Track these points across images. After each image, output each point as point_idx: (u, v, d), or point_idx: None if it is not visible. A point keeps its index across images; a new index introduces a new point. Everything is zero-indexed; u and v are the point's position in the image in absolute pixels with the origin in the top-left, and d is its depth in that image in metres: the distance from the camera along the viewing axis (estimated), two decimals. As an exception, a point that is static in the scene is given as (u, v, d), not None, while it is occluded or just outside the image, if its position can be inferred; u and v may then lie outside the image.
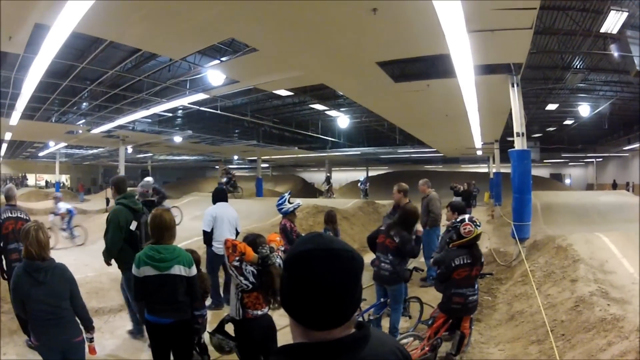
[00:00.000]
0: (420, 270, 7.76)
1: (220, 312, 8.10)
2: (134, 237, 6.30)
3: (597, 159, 43.37)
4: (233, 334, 4.81)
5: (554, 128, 28.14)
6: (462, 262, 5.78)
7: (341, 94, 16.48)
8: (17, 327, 6.73)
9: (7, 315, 7.08)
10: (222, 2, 8.23)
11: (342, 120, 23.10)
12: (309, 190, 38.23)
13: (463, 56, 9.17)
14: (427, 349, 5.67)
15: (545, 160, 44.06)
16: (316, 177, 52.37)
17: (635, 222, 12.21)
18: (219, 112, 19.64)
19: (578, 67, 14.76)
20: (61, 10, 7.58)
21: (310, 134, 26.36)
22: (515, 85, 11.38)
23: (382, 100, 15.48)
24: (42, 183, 53.41)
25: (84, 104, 18.81)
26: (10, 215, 6.43)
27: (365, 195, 24.73)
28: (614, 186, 37.62)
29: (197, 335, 5.24)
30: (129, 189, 6.86)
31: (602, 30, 11.25)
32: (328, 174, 22.54)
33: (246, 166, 53.71)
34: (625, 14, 10.42)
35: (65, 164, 46.13)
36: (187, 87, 15.82)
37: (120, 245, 6.26)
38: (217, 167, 50.18)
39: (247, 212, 14.29)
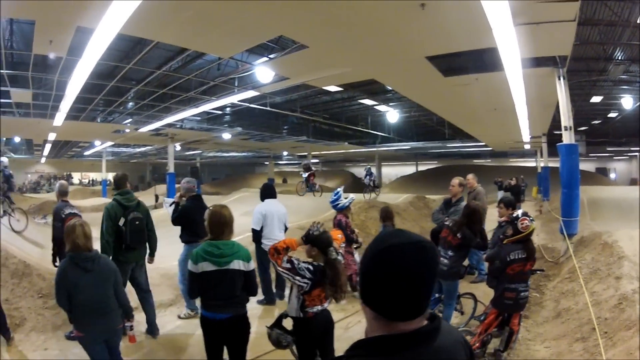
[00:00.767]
0: (474, 269, 8.21)
1: (272, 308, 8.68)
2: (120, 232, 6.93)
3: (640, 153, 40.89)
4: (289, 328, 4.99)
5: (599, 121, 27.41)
6: (517, 257, 5.93)
7: (389, 88, 16.58)
8: (62, 321, 7.36)
9: (52, 311, 7.73)
10: (271, 1, 8.63)
11: (391, 115, 23.12)
12: (358, 185, 38.37)
13: (510, 49, 9.50)
14: (477, 344, 5.90)
15: (590, 154, 42.88)
16: None
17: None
18: (268, 108, 20.28)
19: (619, 58, 14.40)
20: (105, 13, 8.16)
21: (359, 129, 26.40)
22: (561, 78, 11.57)
23: (432, 95, 15.76)
24: (86, 181, 54.28)
25: (130, 103, 19.07)
26: (70, 211, 7.23)
27: (373, 189, 22.33)
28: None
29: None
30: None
31: (640, 21, 10.74)
32: (369, 167, 21.67)
33: (296, 162, 53.92)
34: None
35: (111, 162, 47.82)
36: (235, 84, 16.16)
37: (113, 237, 6.89)
38: (266, 163, 51.48)
39: (297, 208, 14.81)
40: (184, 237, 8.14)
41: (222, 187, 42.29)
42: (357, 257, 8.77)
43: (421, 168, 50.36)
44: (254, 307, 8.06)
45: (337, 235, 5.50)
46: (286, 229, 8.92)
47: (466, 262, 7.24)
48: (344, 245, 5.35)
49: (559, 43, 10.06)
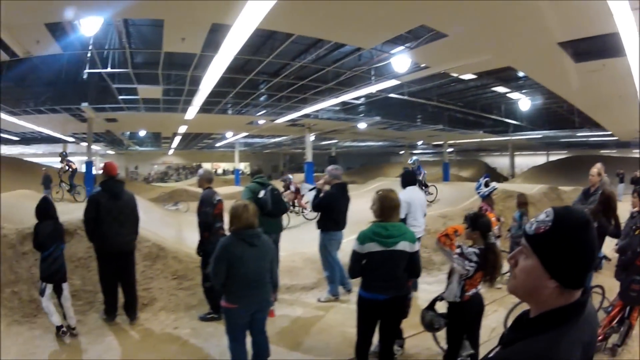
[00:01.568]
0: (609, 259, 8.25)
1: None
2: (260, 204, 7.44)
3: None
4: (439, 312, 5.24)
5: None
6: None
7: (521, 75, 16.31)
8: (197, 301, 8.17)
9: (187, 292, 8.55)
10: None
11: (523, 103, 22.54)
12: (492, 175, 37.41)
13: (630, 34, 9.54)
14: (600, 337, 5.89)
15: None
16: (498, 161, 51.08)
17: None
18: (406, 97, 20.69)
19: None
20: (242, 10, 8.82)
21: (493, 117, 25.98)
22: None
23: (563, 81, 15.43)
24: (220, 171, 56.80)
25: (263, 96, 19.99)
26: (219, 198, 7.81)
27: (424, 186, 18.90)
28: None
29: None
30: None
31: None
32: (415, 158, 18.62)
33: (430, 151, 53.79)
34: None
35: (243, 153, 49.46)
36: (372, 74, 16.33)
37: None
38: (401, 152, 52.62)
39: (439, 196, 14.65)
40: (322, 224, 8.69)
41: (358, 176, 43.01)
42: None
43: (552, 158, 48.25)
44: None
45: (492, 218, 5.81)
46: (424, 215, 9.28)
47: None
48: (497, 228, 5.61)
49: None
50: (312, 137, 31.14)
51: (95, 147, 31.45)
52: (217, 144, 46.14)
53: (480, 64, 14.57)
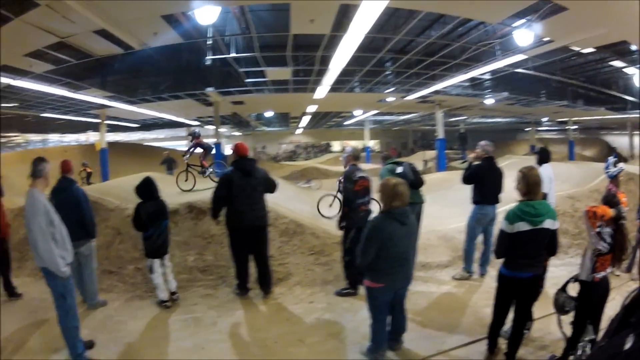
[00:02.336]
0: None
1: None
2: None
3: None
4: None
5: None
6: None
7: (634, 49, 15.17)
8: (333, 277, 8.36)
9: (324, 267, 8.80)
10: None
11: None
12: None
13: None
14: None
15: None
16: (618, 140, 47.70)
17: None
18: (532, 72, 20.04)
19: None
20: None
21: (613, 93, 24.33)
22: None
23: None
24: (348, 149, 57.10)
25: (391, 74, 19.92)
26: (361, 174, 7.78)
27: None
28: None
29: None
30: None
31: None
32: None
33: (554, 128, 51.32)
34: None
35: (373, 130, 49.55)
36: (497, 49, 15.83)
37: None
38: (527, 129, 50.17)
39: (567, 176, 14.29)
40: (475, 197, 8.72)
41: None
42: None
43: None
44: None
45: (623, 199, 5.74)
46: None
47: None
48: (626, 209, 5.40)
49: None
50: (441, 114, 30.52)
51: (221, 129, 32.55)
52: (346, 122, 46.23)
53: (598, 37, 13.60)
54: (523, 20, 12.80)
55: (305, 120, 40.19)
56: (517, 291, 5.24)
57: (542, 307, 6.04)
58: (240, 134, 59.39)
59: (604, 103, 28.54)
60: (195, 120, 37.21)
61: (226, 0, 11.31)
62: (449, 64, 18.71)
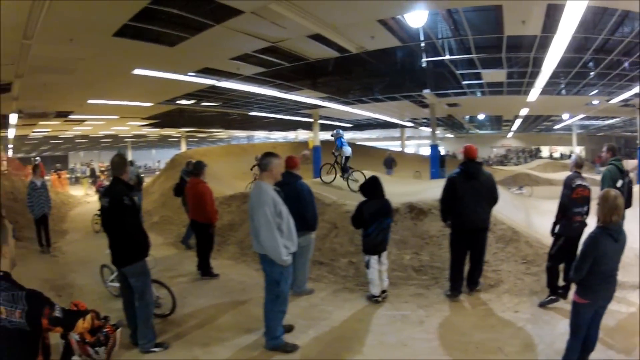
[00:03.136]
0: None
1: None
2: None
3: None
4: None
5: None
6: None
7: None
8: (540, 288, 7.85)
9: (533, 277, 8.29)
10: None
11: None
12: None
13: None
14: None
15: None
16: None
17: None
18: None
19: None
20: None
21: None
22: None
23: None
24: (557, 155, 54.40)
25: (594, 75, 18.72)
26: (581, 182, 7.45)
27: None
28: None
29: None
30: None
31: None
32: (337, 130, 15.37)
33: None
34: None
35: (579, 136, 46.40)
36: None
37: None
38: None
39: None
40: None
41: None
42: None
43: None
44: None
45: None
46: None
47: None
48: None
49: None
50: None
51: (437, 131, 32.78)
52: (555, 127, 44.40)
53: None
54: None
55: (517, 123, 39.12)
56: None
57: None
58: (453, 136, 59.25)
59: None
60: (409, 121, 37.77)
61: (442, 1, 11.41)
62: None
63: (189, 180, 10.64)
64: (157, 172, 36.72)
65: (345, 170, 14.63)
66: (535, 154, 59.85)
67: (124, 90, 18.90)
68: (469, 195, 7.73)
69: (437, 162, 25.70)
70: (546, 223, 8.20)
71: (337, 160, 14.38)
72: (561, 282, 7.46)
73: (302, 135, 51.43)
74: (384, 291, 7.94)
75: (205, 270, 9.73)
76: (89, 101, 20.90)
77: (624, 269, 8.96)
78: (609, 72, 18.56)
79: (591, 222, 5.83)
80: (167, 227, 14.42)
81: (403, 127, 45.62)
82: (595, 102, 24.75)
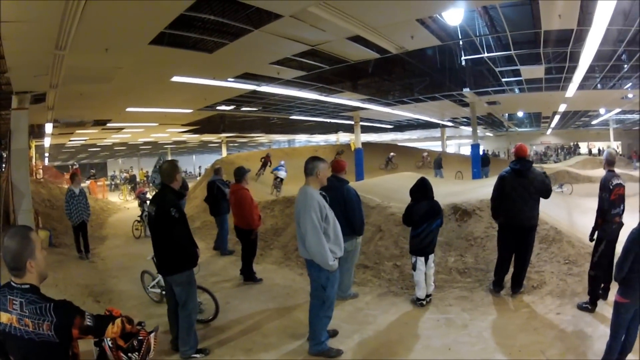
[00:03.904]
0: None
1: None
2: None
3: None
4: None
5: None
6: None
7: None
8: (582, 289, 7.65)
9: (575, 278, 8.14)
10: None
11: None
12: None
13: None
14: None
15: None
16: None
17: None
18: None
19: None
20: None
21: None
22: None
23: None
24: (595, 150, 53.53)
25: (625, 67, 18.35)
26: (618, 181, 7.23)
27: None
28: None
29: None
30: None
31: None
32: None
33: None
34: None
35: (617, 130, 45.59)
36: None
37: None
38: None
39: None
40: None
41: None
42: None
43: None
44: None
45: None
46: None
47: None
48: None
49: None
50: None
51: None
52: (593, 122, 43.83)
53: None
54: None
55: (555, 120, 38.89)
56: None
57: None
58: (492, 135, 58.78)
59: None
60: (449, 121, 37.72)
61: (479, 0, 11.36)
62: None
63: (231, 186, 10.73)
64: (198, 178, 37.19)
65: (275, 186, 19.10)
66: (573, 151, 58.95)
67: (163, 97, 19.08)
68: (516, 193, 7.74)
69: (478, 162, 25.74)
70: (588, 222, 8.02)
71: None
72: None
73: (343, 137, 51.76)
74: (428, 295, 7.87)
75: (248, 275, 9.77)
76: (128, 109, 21.15)
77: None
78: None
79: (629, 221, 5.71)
80: (210, 232, 14.42)
81: (444, 126, 45.60)
82: (630, 95, 24.35)
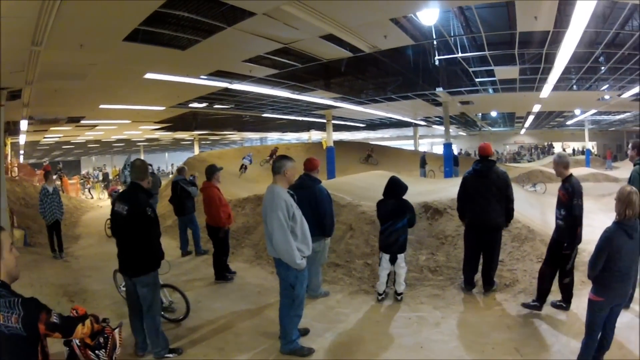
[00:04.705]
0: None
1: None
2: None
3: None
4: None
5: None
6: None
7: None
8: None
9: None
10: None
11: None
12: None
13: None
14: None
15: None
16: None
17: None
18: None
19: None
20: None
21: None
22: None
23: None
24: (569, 150, 54.52)
25: (603, 69, 18.62)
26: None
27: None
28: None
29: None
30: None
31: None
32: None
33: None
34: None
35: (592, 131, 46.40)
36: None
37: None
38: None
39: None
40: None
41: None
42: None
43: None
44: None
45: None
46: None
47: None
48: None
49: None
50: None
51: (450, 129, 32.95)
52: (568, 122, 44.22)
53: None
54: None
55: (529, 120, 39.25)
56: None
57: None
58: (466, 134, 59.25)
59: None
60: (422, 120, 37.83)
61: (454, 1, 11.43)
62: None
63: (202, 184, 10.60)
64: (171, 176, 37.02)
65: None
66: (547, 150, 59.73)
67: (136, 94, 18.92)
68: (479, 193, 7.82)
69: (451, 161, 25.82)
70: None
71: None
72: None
73: (315, 135, 51.77)
74: (399, 294, 7.89)
75: (219, 274, 9.73)
76: (101, 106, 20.91)
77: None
78: (620, 67, 18.47)
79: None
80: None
81: (416, 125, 45.77)
82: (607, 97, 24.65)
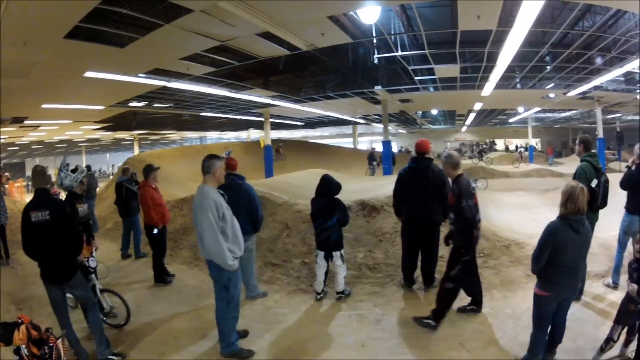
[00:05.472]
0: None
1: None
2: (591, 193, 6.80)
3: None
4: None
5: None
6: None
7: None
8: (499, 282, 7.93)
9: (491, 271, 8.31)
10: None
11: None
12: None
13: None
14: None
15: None
16: None
17: None
18: None
19: None
20: None
21: None
22: None
23: None
24: (512, 147, 55.71)
25: (551, 69, 19.06)
26: (473, 185, 7.71)
27: None
28: None
29: None
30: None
31: None
32: None
33: None
34: None
35: (535, 128, 47.85)
36: None
37: None
38: None
39: None
40: (625, 205, 7.91)
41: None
42: None
43: None
44: None
45: None
46: None
47: None
48: None
49: None
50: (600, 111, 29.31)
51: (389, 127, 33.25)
52: (511, 120, 45.63)
53: None
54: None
55: (470, 117, 39.96)
56: None
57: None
58: (406, 132, 59.95)
59: None
60: (361, 118, 38.05)
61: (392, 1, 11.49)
62: (606, 58, 17.43)
63: (139, 183, 10.46)
64: (111, 177, 36.38)
65: None
66: (490, 147, 60.81)
67: (77, 93, 18.51)
68: (414, 191, 7.71)
69: (389, 159, 26.06)
70: (503, 215, 8.08)
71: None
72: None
73: (254, 134, 51.75)
74: (339, 292, 7.80)
75: (158, 277, 9.49)
76: (44, 106, 20.42)
77: (588, 258, 9.02)
78: (566, 66, 18.89)
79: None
80: (121, 234, 13.86)
81: (355, 123, 46.35)
82: (551, 95, 25.30)
